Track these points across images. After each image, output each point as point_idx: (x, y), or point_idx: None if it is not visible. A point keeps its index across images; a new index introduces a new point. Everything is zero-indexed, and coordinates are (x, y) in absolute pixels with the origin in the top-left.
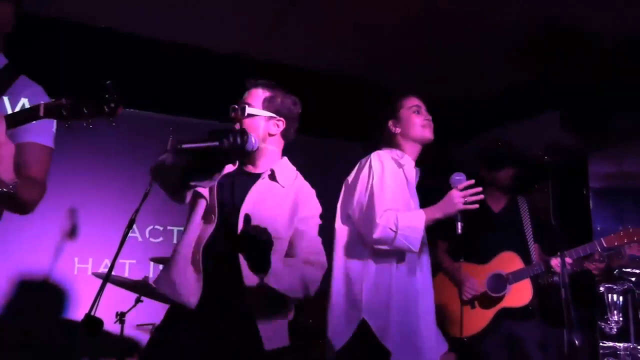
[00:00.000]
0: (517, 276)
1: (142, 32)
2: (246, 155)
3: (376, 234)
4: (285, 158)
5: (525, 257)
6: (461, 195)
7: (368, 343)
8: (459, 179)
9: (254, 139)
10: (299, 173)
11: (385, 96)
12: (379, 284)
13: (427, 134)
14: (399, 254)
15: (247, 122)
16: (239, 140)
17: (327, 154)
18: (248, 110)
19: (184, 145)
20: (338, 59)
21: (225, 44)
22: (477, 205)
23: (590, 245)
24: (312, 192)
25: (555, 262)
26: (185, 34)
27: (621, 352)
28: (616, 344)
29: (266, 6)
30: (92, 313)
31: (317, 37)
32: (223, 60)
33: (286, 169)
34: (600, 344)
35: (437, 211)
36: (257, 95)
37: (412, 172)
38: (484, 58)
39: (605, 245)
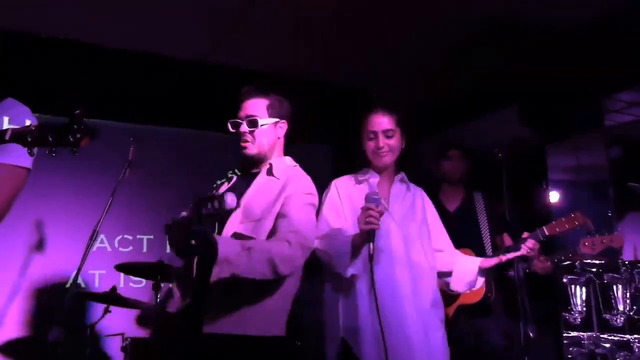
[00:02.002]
0: None
1: (101, 42)
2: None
3: (320, 255)
4: (288, 157)
5: (480, 253)
6: (363, 216)
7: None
8: (371, 198)
9: (229, 198)
10: (298, 166)
11: (344, 98)
12: (349, 301)
13: (379, 161)
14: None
15: (258, 133)
16: (216, 204)
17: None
18: (260, 121)
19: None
20: (294, 62)
21: (182, 50)
22: (377, 227)
23: (533, 234)
24: (303, 175)
25: (524, 249)
26: (142, 41)
27: (585, 342)
28: (580, 333)
29: (224, 11)
30: (59, 325)
31: (274, 40)
32: (181, 67)
33: (283, 163)
34: (565, 334)
35: (358, 234)
36: (260, 104)
37: (375, 182)
38: (440, 55)
39: (547, 233)
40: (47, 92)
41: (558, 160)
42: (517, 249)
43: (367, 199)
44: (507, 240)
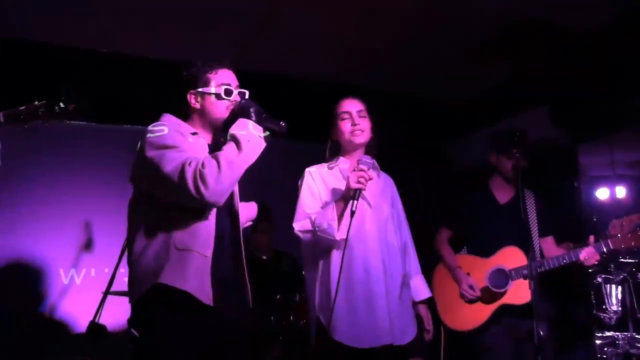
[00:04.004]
0: (519, 272)
1: (121, 49)
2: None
3: (300, 238)
4: None
5: (529, 253)
6: (355, 175)
7: (325, 339)
8: (363, 161)
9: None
10: None
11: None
12: (324, 281)
13: (356, 139)
14: (335, 249)
15: None
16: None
17: (310, 156)
18: None
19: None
20: (319, 66)
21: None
22: (364, 187)
23: (597, 244)
24: None
25: (583, 255)
26: (161, 48)
27: (620, 342)
28: (615, 333)
29: (243, 18)
30: (96, 321)
31: (294, 45)
32: None
33: None
34: (599, 334)
35: (342, 195)
36: None
37: (347, 167)
38: (470, 57)
39: (611, 247)
40: (86, 100)
41: (591, 158)
42: (576, 254)
43: (360, 162)
44: (550, 244)
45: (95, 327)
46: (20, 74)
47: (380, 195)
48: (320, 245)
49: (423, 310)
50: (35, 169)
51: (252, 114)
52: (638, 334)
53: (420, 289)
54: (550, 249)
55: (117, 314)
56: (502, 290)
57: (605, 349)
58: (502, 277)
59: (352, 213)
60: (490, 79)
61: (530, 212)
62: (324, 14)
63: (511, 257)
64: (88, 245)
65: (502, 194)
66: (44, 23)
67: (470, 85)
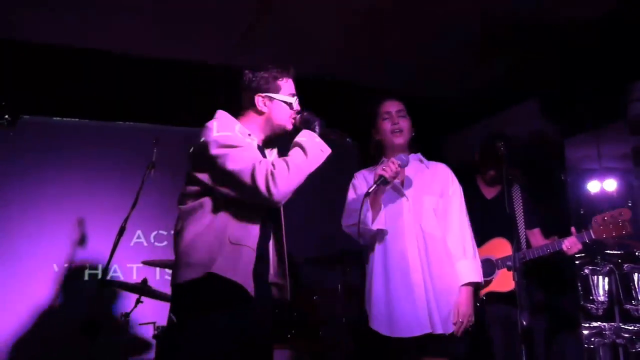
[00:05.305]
0: (505, 262)
1: (124, 49)
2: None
3: (348, 231)
4: None
5: (516, 244)
6: (383, 165)
7: (367, 329)
8: (398, 157)
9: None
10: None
11: (366, 98)
12: (368, 273)
13: (396, 139)
14: (376, 241)
15: None
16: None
17: None
18: None
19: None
20: (316, 62)
21: (201, 54)
22: (386, 174)
23: (579, 235)
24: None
25: (565, 244)
26: (163, 47)
27: (607, 332)
28: (602, 324)
29: (239, 15)
30: (92, 316)
31: (291, 41)
32: (200, 70)
33: None
34: (586, 324)
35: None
36: None
37: None
38: (464, 52)
39: (593, 237)
40: (79, 98)
41: (579, 152)
42: (559, 244)
43: (396, 157)
44: (537, 236)
45: (89, 323)
46: (22, 75)
47: (424, 187)
48: (366, 237)
49: (460, 295)
50: (31, 168)
51: (316, 127)
52: (624, 324)
53: (463, 273)
54: (537, 241)
55: (112, 309)
56: (489, 279)
57: (592, 338)
58: (490, 267)
59: (367, 194)
60: (482, 75)
61: (517, 205)
62: (321, 13)
63: (499, 247)
64: (82, 241)
65: (489, 189)
66: (44, 24)
67: (462, 82)
